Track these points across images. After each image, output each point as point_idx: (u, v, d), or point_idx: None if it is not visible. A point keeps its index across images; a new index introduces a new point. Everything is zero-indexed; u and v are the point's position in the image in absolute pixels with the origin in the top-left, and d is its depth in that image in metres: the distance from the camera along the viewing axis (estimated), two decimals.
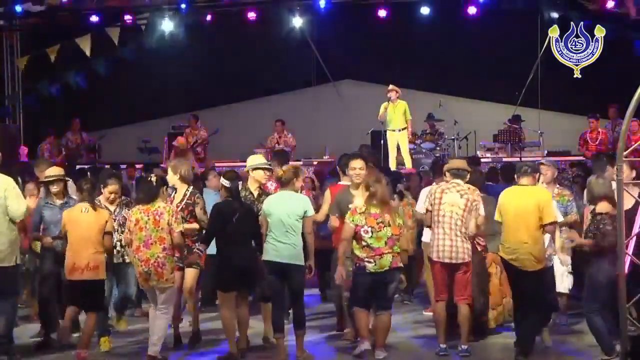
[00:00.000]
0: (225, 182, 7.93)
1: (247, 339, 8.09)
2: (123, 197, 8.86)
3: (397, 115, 14.43)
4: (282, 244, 7.70)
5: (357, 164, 8.29)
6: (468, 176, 8.15)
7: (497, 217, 7.94)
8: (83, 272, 7.78)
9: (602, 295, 7.32)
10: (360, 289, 7.78)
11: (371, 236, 7.65)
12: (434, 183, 9.15)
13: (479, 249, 8.28)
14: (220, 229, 7.83)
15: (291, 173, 7.97)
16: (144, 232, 7.70)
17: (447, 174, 8.17)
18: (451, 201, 7.94)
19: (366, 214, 7.68)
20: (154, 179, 7.92)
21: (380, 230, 7.66)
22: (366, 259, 7.66)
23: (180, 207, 8.14)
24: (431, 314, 9.12)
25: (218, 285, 8.04)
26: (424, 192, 9.07)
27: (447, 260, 7.91)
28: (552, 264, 8.15)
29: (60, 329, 8.23)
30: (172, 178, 8.31)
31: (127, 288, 8.93)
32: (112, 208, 8.59)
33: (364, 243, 7.65)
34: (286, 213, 7.73)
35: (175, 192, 8.36)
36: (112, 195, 8.58)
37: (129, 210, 8.33)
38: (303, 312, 7.93)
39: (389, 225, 7.69)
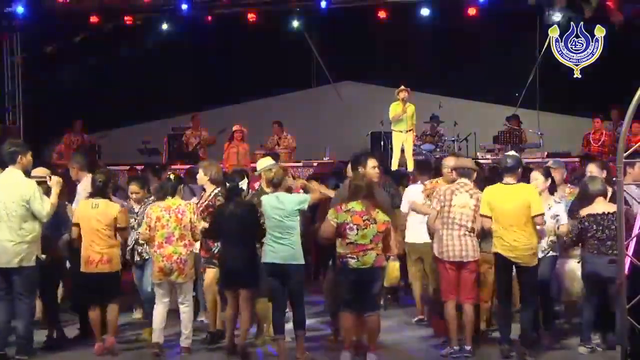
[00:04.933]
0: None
1: (245, 336, 8.05)
2: (152, 198, 8.85)
3: (406, 116, 14.45)
4: (280, 245, 7.69)
5: (372, 163, 8.17)
6: (475, 175, 8.15)
7: (483, 211, 7.81)
8: (97, 265, 8.00)
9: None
10: (345, 286, 7.67)
11: (356, 233, 7.53)
12: (419, 182, 9.24)
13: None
14: (217, 230, 7.97)
15: (281, 173, 7.99)
16: (166, 229, 7.94)
17: (454, 172, 8.16)
18: (462, 203, 7.94)
19: (351, 212, 7.58)
20: (172, 177, 8.16)
21: (367, 228, 7.55)
22: (349, 255, 7.55)
23: (202, 207, 8.33)
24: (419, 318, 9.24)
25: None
26: (409, 192, 9.21)
27: (457, 259, 7.90)
28: (549, 255, 8.12)
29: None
30: (202, 178, 8.54)
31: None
32: (136, 208, 8.77)
33: (348, 240, 7.55)
34: (280, 215, 7.71)
35: (204, 192, 8.58)
36: (134, 195, 8.81)
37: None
38: (303, 312, 7.91)
39: (375, 222, 7.59)
